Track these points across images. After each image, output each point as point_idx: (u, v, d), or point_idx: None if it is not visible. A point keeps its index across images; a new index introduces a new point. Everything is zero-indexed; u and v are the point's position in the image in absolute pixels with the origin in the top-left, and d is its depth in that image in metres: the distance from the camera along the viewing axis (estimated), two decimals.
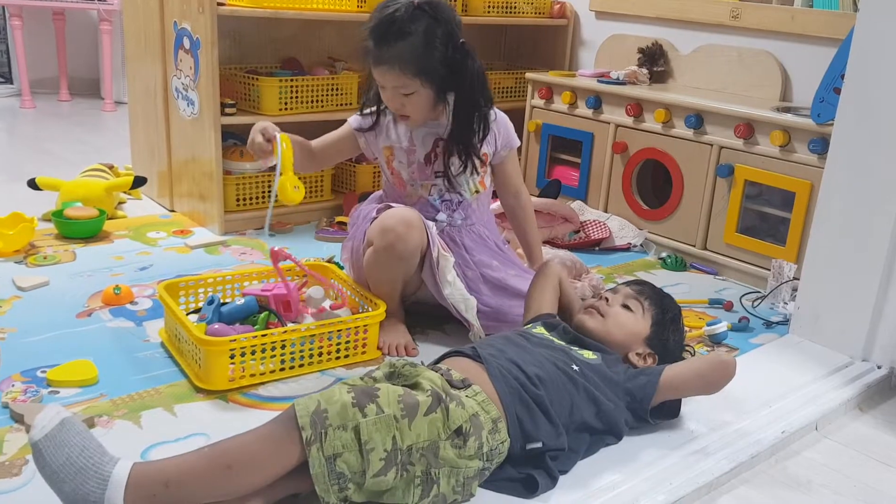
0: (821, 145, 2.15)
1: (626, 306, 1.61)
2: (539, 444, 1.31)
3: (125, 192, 2.73)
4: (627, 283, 1.70)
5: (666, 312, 1.63)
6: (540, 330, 1.55)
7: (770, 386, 1.73)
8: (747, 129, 2.31)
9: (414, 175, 1.86)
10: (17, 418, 1.40)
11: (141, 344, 1.73)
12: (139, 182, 2.63)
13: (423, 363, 1.37)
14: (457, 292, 1.76)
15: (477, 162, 1.84)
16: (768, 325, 2.06)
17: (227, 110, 2.41)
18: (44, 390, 1.50)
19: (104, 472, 1.07)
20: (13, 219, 2.26)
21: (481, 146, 1.85)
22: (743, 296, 2.24)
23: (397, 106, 1.78)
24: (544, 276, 1.74)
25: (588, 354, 1.49)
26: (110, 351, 1.69)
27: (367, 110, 1.89)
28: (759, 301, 2.20)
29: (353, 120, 1.92)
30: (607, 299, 1.63)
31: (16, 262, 2.13)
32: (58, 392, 1.50)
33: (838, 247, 1.87)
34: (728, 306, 2.15)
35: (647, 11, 2.95)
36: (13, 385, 1.51)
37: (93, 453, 1.08)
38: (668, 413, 1.51)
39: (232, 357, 1.55)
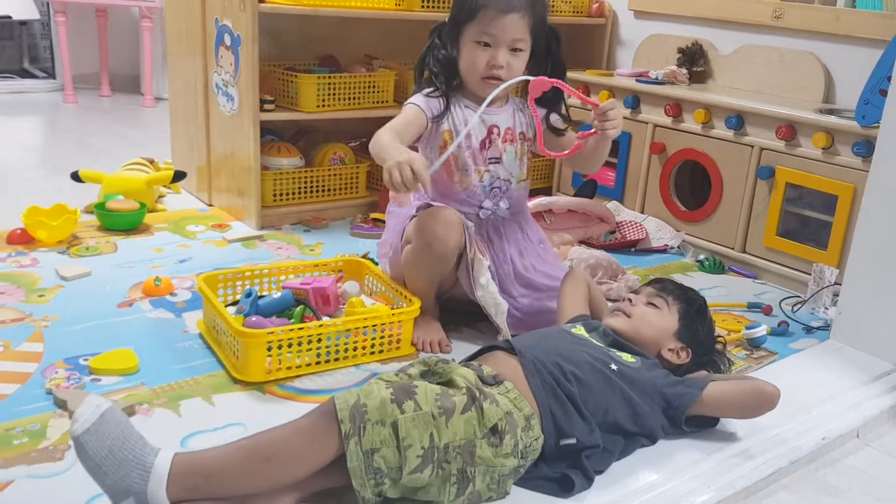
0: (865, 148, 2.11)
1: (650, 304, 1.60)
2: (573, 440, 1.31)
3: (165, 186, 2.77)
4: (647, 283, 1.69)
5: (691, 304, 1.61)
6: (580, 330, 1.54)
7: (810, 392, 1.70)
8: (789, 130, 2.28)
9: (468, 160, 1.85)
10: (61, 404, 1.42)
11: (180, 335, 1.76)
12: (179, 176, 2.67)
13: (454, 360, 1.37)
14: (489, 295, 1.76)
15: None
16: (808, 330, 2.03)
17: (266, 106, 2.43)
18: (86, 378, 1.53)
19: (146, 462, 1.08)
20: (57, 210, 2.30)
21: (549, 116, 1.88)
22: (783, 300, 2.21)
23: (500, 61, 1.76)
24: (574, 281, 1.74)
25: (627, 357, 1.48)
26: (150, 341, 1.71)
27: (436, 94, 1.84)
28: (800, 306, 2.17)
29: (424, 106, 1.82)
30: (630, 300, 1.62)
31: (59, 253, 2.17)
32: (99, 380, 1.53)
33: (881, 252, 1.84)
34: (767, 310, 2.13)
35: (687, 11, 2.93)
36: (56, 372, 1.54)
37: (134, 444, 1.10)
38: (703, 424, 1.49)
39: (269, 349, 1.56)
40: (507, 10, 1.73)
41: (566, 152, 1.81)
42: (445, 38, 1.84)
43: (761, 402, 1.46)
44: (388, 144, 1.67)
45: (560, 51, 1.86)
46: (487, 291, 1.75)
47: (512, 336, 1.73)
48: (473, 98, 1.83)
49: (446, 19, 1.86)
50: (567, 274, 1.77)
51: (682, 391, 1.45)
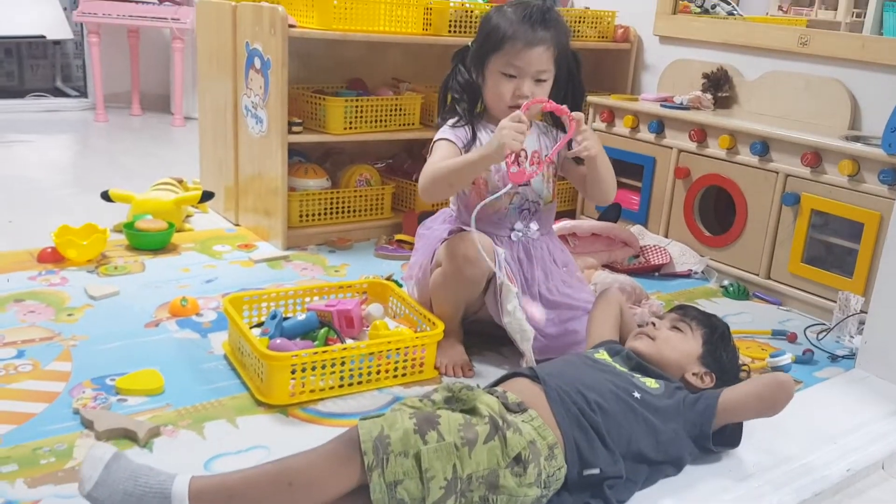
0: (891, 176, 2.10)
1: (674, 328, 1.62)
2: (597, 471, 1.30)
3: (193, 206, 2.81)
4: (671, 310, 1.71)
5: (715, 330, 1.62)
6: (603, 355, 1.54)
7: (835, 421, 1.69)
8: (815, 157, 2.27)
9: (498, 183, 1.85)
10: (87, 424, 1.44)
11: (205, 355, 1.78)
12: (207, 196, 2.70)
13: (478, 386, 1.38)
14: (515, 322, 1.76)
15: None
16: (833, 358, 2.01)
17: (294, 128, 2.46)
18: (112, 398, 1.55)
19: (164, 490, 1.10)
20: (87, 229, 2.34)
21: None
22: (808, 328, 2.19)
23: (525, 92, 1.78)
24: (606, 303, 1.74)
25: (651, 383, 1.48)
26: (176, 361, 1.73)
27: (461, 123, 1.86)
28: (825, 334, 2.15)
29: (454, 137, 1.84)
30: (654, 324, 1.64)
31: (88, 272, 2.21)
32: (126, 400, 1.55)
33: None
34: (792, 338, 2.11)
35: (713, 37, 2.93)
36: (84, 392, 1.57)
37: (147, 478, 1.11)
38: (730, 440, 1.49)
39: (293, 372, 1.58)
40: (534, 44, 1.76)
41: (542, 163, 1.85)
42: (469, 65, 1.86)
43: (777, 392, 1.45)
44: (458, 159, 1.77)
45: (580, 75, 1.89)
46: (514, 318, 1.75)
47: (536, 362, 1.73)
48: (497, 123, 1.84)
49: (469, 44, 1.89)
50: (600, 294, 1.78)
51: (702, 406, 1.45)
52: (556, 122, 1.92)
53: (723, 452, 1.50)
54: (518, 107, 1.76)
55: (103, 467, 1.11)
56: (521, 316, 1.76)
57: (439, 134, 1.88)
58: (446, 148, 1.84)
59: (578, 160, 1.88)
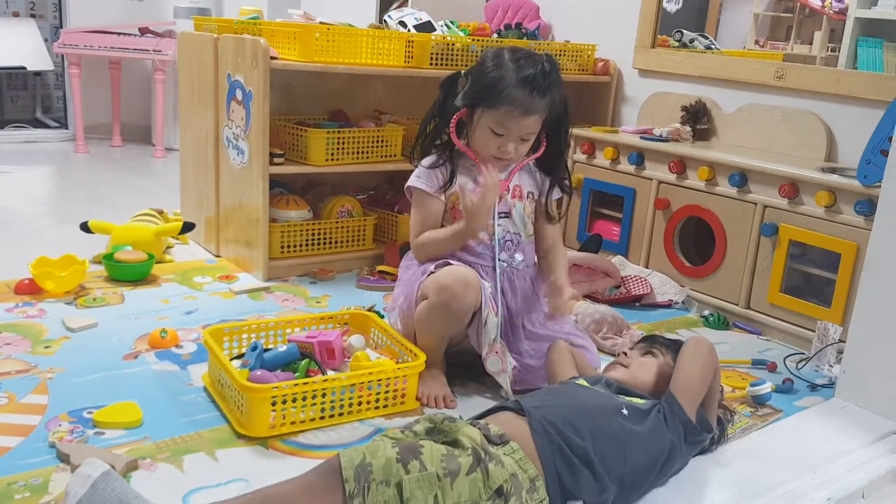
0: (867, 207, 2.13)
1: (646, 354, 1.66)
2: (580, 502, 1.30)
3: (173, 237, 2.79)
4: (639, 341, 1.77)
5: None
6: (583, 383, 1.56)
7: (816, 450, 1.69)
8: (792, 188, 2.30)
9: None
10: (64, 458, 1.42)
11: (185, 388, 1.76)
12: (188, 227, 2.69)
13: (461, 417, 1.37)
14: (494, 357, 1.78)
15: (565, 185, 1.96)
16: (813, 387, 2.02)
17: (276, 160, 2.47)
18: (89, 431, 1.53)
19: None
20: (65, 261, 2.32)
21: (552, 191, 1.95)
22: (787, 357, 2.20)
23: (510, 151, 1.81)
24: (557, 351, 1.77)
25: (637, 400, 1.50)
26: (155, 394, 1.71)
27: (440, 162, 1.89)
28: (804, 363, 2.16)
29: (427, 186, 1.88)
30: (626, 353, 1.68)
31: (66, 304, 2.19)
32: (103, 433, 1.53)
33: (885, 310, 1.84)
34: (772, 367, 2.12)
35: (691, 70, 2.98)
36: (60, 425, 1.54)
37: None
38: (707, 426, 1.54)
39: (274, 404, 1.56)
40: (530, 112, 1.78)
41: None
42: (460, 101, 1.85)
43: (694, 346, 1.57)
44: (440, 237, 1.86)
45: (567, 120, 1.90)
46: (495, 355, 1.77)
47: (516, 392, 1.74)
48: (477, 160, 1.86)
49: (461, 73, 1.88)
50: (550, 346, 1.79)
51: (667, 404, 1.50)
52: (541, 167, 1.94)
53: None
54: (500, 159, 1.83)
55: (90, 485, 1.10)
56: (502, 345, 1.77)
57: (414, 180, 1.91)
58: (422, 207, 1.89)
59: (549, 217, 1.94)
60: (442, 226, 1.90)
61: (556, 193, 1.96)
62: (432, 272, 1.79)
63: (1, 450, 1.45)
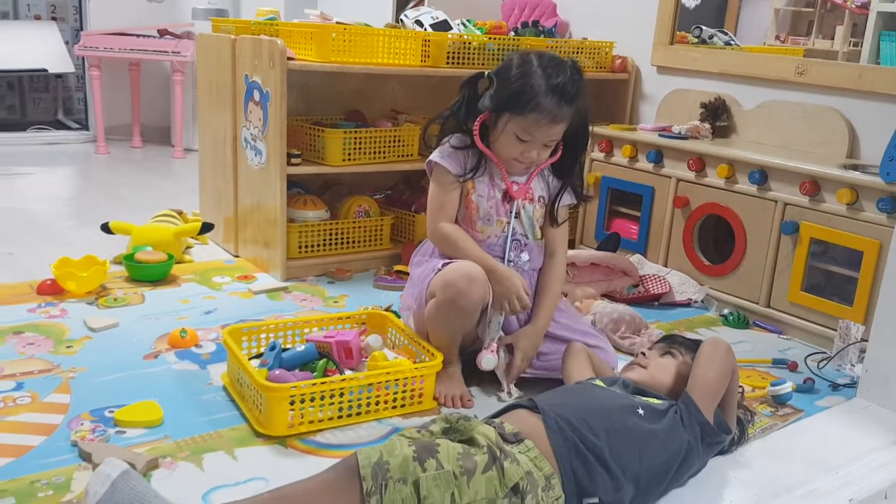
0: (890, 204, 2.11)
1: (665, 354, 1.65)
2: (596, 500, 1.30)
3: (192, 238, 2.81)
4: (658, 341, 1.75)
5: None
6: (600, 384, 1.55)
7: (837, 451, 1.68)
8: (813, 186, 2.28)
9: (490, 210, 1.87)
10: (86, 457, 1.43)
11: (205, 387, 1.77)
12: (206, 228, 2.71)
13: (476, 417, 1.37)
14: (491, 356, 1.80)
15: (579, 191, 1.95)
16: (834, 387, 2.01)
17: (293, 160, 2.48)
18: (111, 430, 1.54)
19: None
20: (86, 261, 2.35)
21: (562, 195, 1.93)
22: (808, 356, 2.18)
23: (533, 157, 1.81)
24: (574, 352, 1.77)
25: (653, 400, 1.49)
26: (175, 393, 1.73)
27: (469, 143, 1.86)
28: (825, 362, 2.14)
29: (451, 164, 1.85)
30: (644, 354, 1.67)
31: (88, 304, 2.21)
32: (124, 432, 1.54)
33: None
34: (793, 367, 2.10)
35: (710, 67, 2.96)
36: (82, 424, 1.56)
37: None
38: (725, 427, 1.53)
39: (292, 403, 1.57)
40: (557, 121, 1.76)
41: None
42: (486, 104, 1.82)
43: (712, 348, 1.57)
44: (473, 252, 1.81)
45: (585, 140, 1.90)
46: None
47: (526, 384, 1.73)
48: (499, 161, 1.86)
49: (485, 74, 1.84)
50: (567, 348, 1.79)
51: (684, 406, 1.49)
52: (555, 172, 1.93)
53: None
54: (522, 163, 1.83)
55: (110, 484, 1.11)
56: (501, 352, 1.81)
57: (437, 155, 1.87)
58: (442, 187, 1.87)
59: (553, 220, 1.93)
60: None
61: (567, 199, 1.94)
62: (440, 270, 1.79)
63: (24, 448, 1.46)
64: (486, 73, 1.84)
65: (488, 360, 1.78)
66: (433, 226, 1.87)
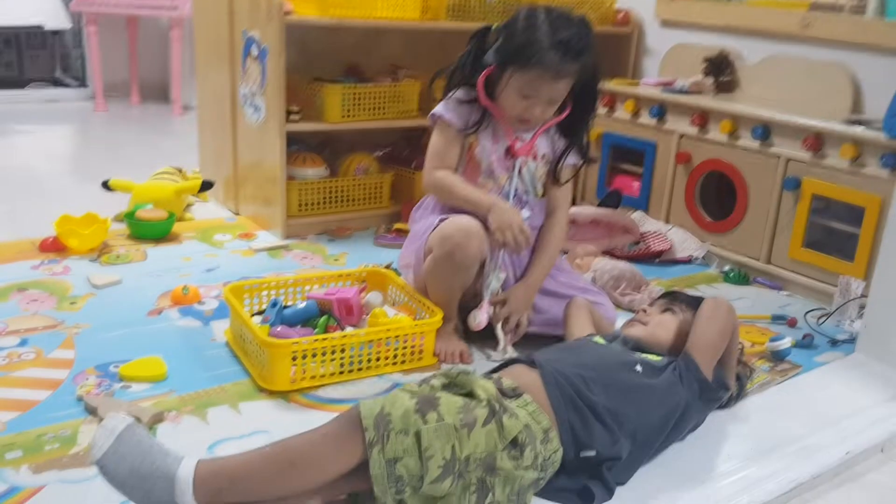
0: (893, 160, 2.10)
1: (665, 311, 1.66)
2: (593, 453, 1.31)
3: (193, 195, 2.81)
4: (659, 297, 1.75)
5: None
6: (600, 340, 1.56)
7: (835, 405, 1.69)
8: (816, 141, 2.27)
9: (493, 165, 1.86)
10: (91, 411, 1.45)
11: (208, 343, 1.79)
12: (206, 186, 2.71)
13: (475, 372, 1.38)
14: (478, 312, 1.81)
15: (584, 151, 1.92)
16: (833, 343, 2.02)
17: (292, 117, 2.46)
18: (116, 385, 1.56)
19: (170, 473, 1.11)
20: (88, 219, 2.35)
21: (567, 155, 1.91)
22: (808, 312, 2.19)
23: (537, 114, 1.78)
24: (576, 307, 1.78)
25: (652, 357, 1.50)
26: (179, 349, 1.74)
27: (469, 101, 1.84)
28: (825, 318, 2.15)
29: (454, 117, 1.84)
30: (645, 310, 1.67)
31: (90, 261, 2.22)
32: (129, 387, 1.56)
33: None
34: (792, 322, 2.11)
35: (714, 20, 2.92)
36: (87, 379, 1.58)
37: (155, 457, 1.12)
38: (722, 384, 1.54)
39: (294, 359, 1.58)
40: (560, 77, 1.73)
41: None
42: (491, 57, 1.79)
43: (713, 307, 1.57)
44: (470, 193, 1.79)
45: (594, 100, 1.87)
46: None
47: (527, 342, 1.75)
48: (503, 117, 1.84)
49: (491, 27, 1.82)
50: (569, 303, 1.80)
51: (683, 363, 1.49)
52: (561, 130, 1.91)
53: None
54: (526, 120, 1.80)
55: (115, 437, 1.12)
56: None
57: (441, 108, 1.86)
58: (444, 139, 1.85)
59: (556, 179, 1.91)
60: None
61: (572, 159, 1.92)
62: (437, 226, 1.78)
63: (30, 403, 1.48)
64: (494, 25, 1.81)
65: (474, 315, 1.79)
66: (429, 174, 1.85)
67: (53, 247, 2.26)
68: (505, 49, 1.76)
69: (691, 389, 1.46)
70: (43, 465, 1.30)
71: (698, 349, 1.51)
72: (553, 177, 1.92)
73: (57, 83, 5.16)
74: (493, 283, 1.80)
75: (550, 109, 1.80)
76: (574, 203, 2.97)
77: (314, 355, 1.61)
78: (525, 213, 1.88)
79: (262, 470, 1.13)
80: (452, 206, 1.84)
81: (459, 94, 1.85)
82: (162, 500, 1.10)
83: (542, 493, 1.30)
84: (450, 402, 1.20)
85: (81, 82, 5.08)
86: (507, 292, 1.84)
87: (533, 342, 1.84)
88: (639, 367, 1.44)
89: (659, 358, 1.51)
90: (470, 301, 1.87)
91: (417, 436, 1.15)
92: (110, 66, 4.74)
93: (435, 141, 1.86)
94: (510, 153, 1.86)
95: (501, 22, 1.82)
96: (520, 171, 1.86)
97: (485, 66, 1.80)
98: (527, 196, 1.89)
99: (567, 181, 1.93)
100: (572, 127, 1.89)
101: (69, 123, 4.31)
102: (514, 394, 1.32)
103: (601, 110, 2.93)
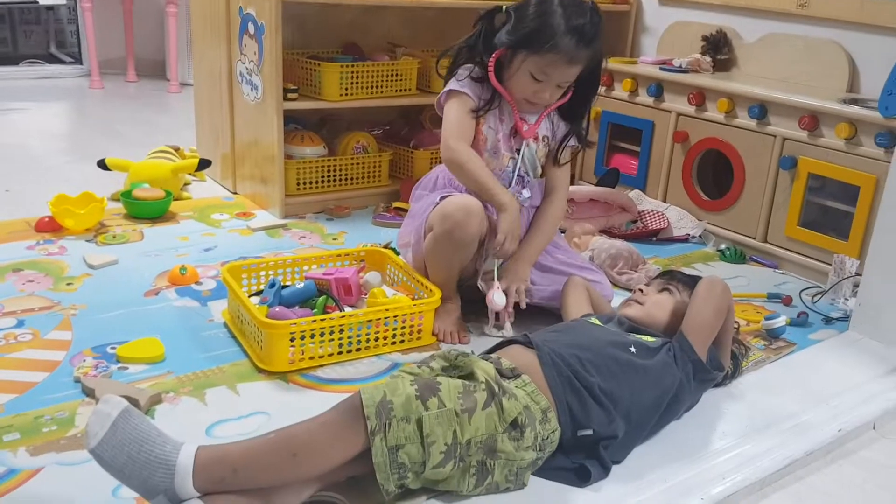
0: (888, 139, 2.10)
1: (662, 291, 1.66)
2: (590, 431, 1.33)
3: (190, 174, 2.80)
4: (656, 277, 1.76)
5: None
6: (595, 321, 1.57)
7: (828, 383, 1.71)
8: (812, 120, 2.26)
9: (498, 143, 1.86)
10: (89, 392, 1.46)
11: (205, 323, 1.79)
12: (204, 164, 2.70)
13: (473, 352, 1.39)
14: (486, 284, 1.81)
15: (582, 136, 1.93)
16: (828, 320, 2.03)
17: (289, 95, 2.45)
18: (113, 366, 1.57)
19: (169, 460, 1.10)
20: (84, 198, 2.34)
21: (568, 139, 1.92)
22: (803, 290, 2.21)
23: (546, 98, 1.79)
24: (573, 286, 1.80)
25: (647, 338, 1.51)
26: (176, 329, 1.75)
27: (484, 77, 1.82)
28: (820, 296, 2.17)
29: (470, 91, 1.82)
30: (641, 290, 1.68)
31: (86, 241, 2.21)
32: (126, 368, 1.57)
33: None
34: (787, 301, 2.13)
35: None
36: (84, 360, 1.58)
37: (153, 445, 1.10)
38: (716, 364, 1.55)
39: (292, 340, 1.59)
40: (574, 62, 1.74)
41: None
42: (502, 39, 1.78)
43: (709, 286, 1.57)
44: (489, 181, 1.78)
45: (596, 85, 1.88)
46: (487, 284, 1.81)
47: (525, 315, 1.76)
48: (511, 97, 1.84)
49: (502, 7, 1.80)
50: (567, 282, 1.81)
51: (678, 344, 1.50)
52: (562, 115, 1.91)
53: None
54: (533, 103, 1.81)
55: (110, 424, 1.10)
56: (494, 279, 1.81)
57: (455, 83, 1.84)
58: (460, 111, 1.82)
59: (555, 160, 1.92)
60: None
61: (572, 141, 1.93)
62: (437, 204, 1.79)
63: (27, 385, 1.49)
64: (504, 6, 1.81)
65: (500, 296, 1.78)
66: (453, 146, 1.79)
67: (49, 227, 2.26)
68: (518, 33, 1.75)
69: (685, 370, 1.47)
70: (41, 448, 1.31)
71: (693, 329, 1.52)
72: (553, 158, 1.92)
73: (52, 59, 5.12)
74: (494, 263, 1.80)
75: (558, 93, 1.81)
76: (572, 182, 2.98)
77: (312, 336, 1.62)
78: (526, 192, 1.89)
79: (263, 458, 1.13)
80: (459, 184, 1.84)
81: (476, 72, 1.84)
82: (160, 488, 1.09)
83: (539, 472, 1.31)
84: (450, 387, 1.21)
85: (77, 59, 5.04)
86: (502, 269, 1.84)
87: (530, 318, 1.85)
88: (633, 349, 1.45)
89: (653, 339, 1.52)
90: (468, 279, 1.88)
91: (419, 423, 1.16)
92: (106, 42, 4.71)
93: (453, 113, 1.84)
94: (516, 134, 1.86)
95: (511, 3, 1.81)
96: (520, 152, 1.87)
97: (495, 48, 1.80)
98: (527, 177, 1.89)
99: (566, 163, 1.94)
100: (572, 110, 1.89)
101: (64, 101, 4.28)
102: (513, 374, 1.34)
103: (600, 89, 2.92)
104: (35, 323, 1.73)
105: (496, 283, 1.79)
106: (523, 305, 1.82)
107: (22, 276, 1.96)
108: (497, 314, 1.82)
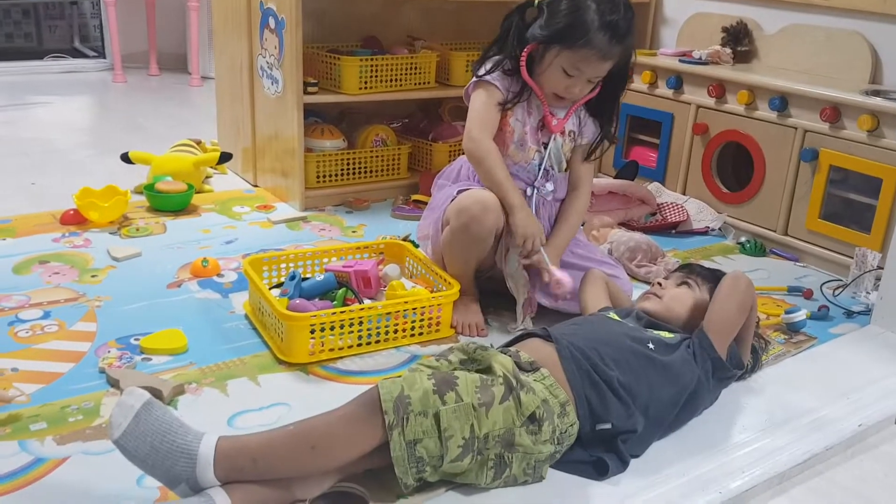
0: None
1: (681, 285, 1.65)
2: (608, 426, 1.33)
3: (212, 167, 2.83)
4: (676, 269, 1.75)
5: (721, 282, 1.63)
6: (614, 316, 1.57)
7: (849, 377, 1.70)
8: (834, 112, 2.25)
9: (525, 136, 1.86)
10: (113, 383, 1.49)
11: (227, 315, 1.81)
12: (225, 158, 2.72)
13: (492, 346, 1.40)
14: (513, 283, 1.81)
15: (608, 131, 1.92)
16: (849, 314, 2.02)
17: (310, 89, 2.47)
18: (137, 357, 1.59)
19: (191, 450, 1.12)
20: (108, 191, 2.37)
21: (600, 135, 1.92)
22: (824, 283, 2.19)
23: (577, 93, 1.80)
24: (592, 279, 1.78)
25: (665, 334, 1.51)
26: (199, 321, 1.77)
27: (514, 72, 1.82)
28: (841, 290, 2.15)
29: (500, 84, 1.82)
30: (661, 284, 1.67)
31: (110, 233, 2.25)
32: (150, 359, 1.59)
33: None
34: (808, 294, 2.11)
35: None
36: (109, 351, 1.61)
37: (175, 435, 1.13)
38: (738, 362, 1.55)
39: (312, 332, 1.61)
40: (607, 58, 1.74)
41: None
42: (535, 33, 1.78)
43: (732, 283, 1.56)
44: (505, 181, 1.78)
45: (625, 81, 1.88)
46: (514, 278, 1.80)
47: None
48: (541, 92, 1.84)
49: (535, 2, 1.79)
50: (585, 275, 1.80)
51: (697, 341, 1.50)
52: (589, 110, 1.91)
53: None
54: (563, 98, 1.81)
55: (133, 416, 1.13)
56: (520, 277, 1.80)
57: (489, 76, 1.83)
58: (486, 103, 1.82)
59: (586, 156, 1.93)
60: None
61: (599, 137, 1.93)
62: (455, 197, 1.79)
63: (54, 375, 1.52)
64: (536, 1, 1.80)
65: (557, 282, 1.75)
66: (476, 139, 1.79)
67: (74, 219, 2.29)
68: (551, 28, 1.75)
69: (704, 367, 1.47)
70: (67, 437, 1.33)
71: (714, 326, 1.51)
72: (583, 155, 1.92)
73: (75, 54, 5.17)
74: (512, 260, 1.80)
75: (588, 88, 1.81)
76: None
77: (332, 328, 1.63)
78: (549, 186, 1.89)
79: (283, 450, 1.15)
80: (478, 179, 1.85)
81: (507, 64, 1.83)
82: (182, 477, 1.12)
83: (557, 465, 1.32)
84: (468, 381, 1.22)
85: (100, 53, 5.09)
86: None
87: (548, 315, 1.86)
88: (651, 345, 1.45)
89: (672, 335, 1.51)
90: (486, 271, 1.88)
91: (437, 417, 1.17)
92: (129, 36, 4.74)
93: (479, 103, 1.84)
94: (543, 127, 1.86)
95: None
96: (549, 146, 1.87)
97: (526, 42, 1.80)
98: (552, 171, 1.90)
99: (594, 158, 1.94)
100: (600, 105, 1.89)
101: (88, 95, 4.32)
102: (532, 367, 1.34)
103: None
104: (61, 314, 1.76)
105: (553, 269, 1.77)
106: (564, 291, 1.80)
107: (48, 267, 2.00)
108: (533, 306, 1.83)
